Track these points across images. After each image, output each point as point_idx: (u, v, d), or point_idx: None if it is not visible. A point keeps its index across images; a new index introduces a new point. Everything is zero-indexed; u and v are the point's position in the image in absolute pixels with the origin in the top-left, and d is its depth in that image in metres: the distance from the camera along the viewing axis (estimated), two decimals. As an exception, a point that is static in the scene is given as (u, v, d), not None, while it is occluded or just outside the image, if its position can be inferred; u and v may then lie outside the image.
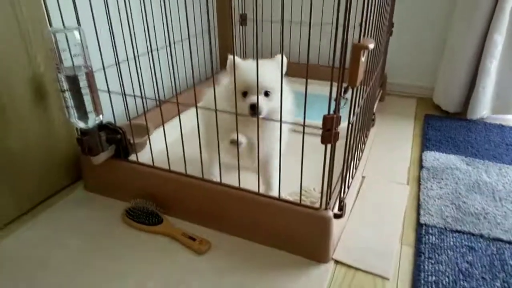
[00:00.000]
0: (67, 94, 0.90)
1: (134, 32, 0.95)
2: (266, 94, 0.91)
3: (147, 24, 0.94)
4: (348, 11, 0.64)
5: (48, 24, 0.92)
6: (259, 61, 0.80)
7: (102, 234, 0.98)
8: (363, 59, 0.71)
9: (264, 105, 0.89)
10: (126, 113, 1.06)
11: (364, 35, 0.72)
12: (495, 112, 1.62)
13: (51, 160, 1.11)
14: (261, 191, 0.93)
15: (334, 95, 0.73)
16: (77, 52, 0.88)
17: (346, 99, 0.79)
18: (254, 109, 0.87)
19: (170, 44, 0.95)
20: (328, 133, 0.74)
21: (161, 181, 1.03)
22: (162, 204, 1.03)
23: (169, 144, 1.01)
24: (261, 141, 0.87)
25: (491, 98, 1.58)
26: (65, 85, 0.89)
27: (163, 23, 0.96)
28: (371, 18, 0.84)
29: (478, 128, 1.54)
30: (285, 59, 0.87)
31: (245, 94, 0.92)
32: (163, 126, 1.00)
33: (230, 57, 0.93)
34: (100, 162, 1.03)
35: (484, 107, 1.57)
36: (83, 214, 1.06)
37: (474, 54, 1.53)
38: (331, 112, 0.74)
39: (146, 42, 0.98)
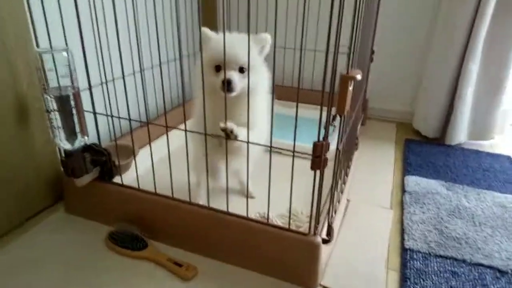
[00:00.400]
0: (53, 115, 0.88)
1: (120, 53, 0.94)
2: (241, 70, 0.85)
3: (138, 44, 0.95)
4: (338, 39, 0.66)
5: (35, 44, 0.91)
6: (236, 35, 0.78)
7: (84, 259, 0.95)
8: (350, 88, 0.73)
9: (238, 81, 0.83)
10: (110, 134, 1.04)
11: (351, 66, 0.74)
12: (472, 138, 1.68)
13: (32, 180, 1.07)
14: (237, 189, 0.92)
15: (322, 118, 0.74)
16: (64, 73, 0.87)
17: (334, 126, 0.81)
18: (229, 84, 0.82)
19: (161, 64, 0.95)
20: (318, 160, 0.76)
21: (147, 204, 1.01)
22: (147, 228, 1.01)
23: (154, 164, 0.99)
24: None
25: (467, 124, 1.64)
26: (51, 106, 0.88)
27: (157, 43, 0.96)
28: (357, 48, 0.87)
29: (456, 153, 1.60)
30: (268, 36, 0.85)
31: (218, 69, 0.86)
32: (150, 148, 0.99)
33: (204, 29, 0.88)
34: (84, 184, 1.01)
35: (461, 133, 1.63)
36: (64, 238, 1.02)
37: (450, 83, 1.59)
38: (321, 139, 0.76)
39: (136, 61, 0.98)
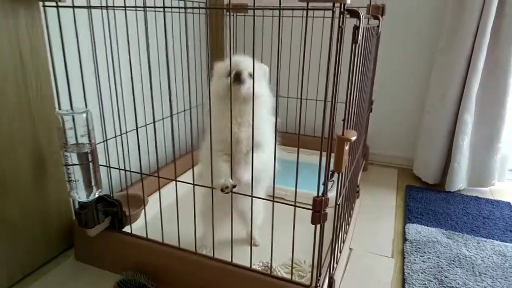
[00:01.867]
0: (71, 169, 0.95)
1: (135, 108, 1.03)
2: (250, 75, 0.95)
3: (152, 97, 1.03)
4: (336, 92, 0.73)
5: (57, 106, 1.00)
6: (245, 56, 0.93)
7: (93, 308, 0.98)
8: (346, 148, 0.79)
9: (248, 79, 0.93)
10: (121, 184, 1.10)
11: (347, 128, 0.81)
12: (472, 185, 1.72)
13: (44, 229, 1.12)
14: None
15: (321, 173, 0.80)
16: (83, 133, 0.94)
17: (333, 181, 0.86)
18: (238, 78, 0.92)
19: (172, 116, 1.03)
20: (318, 215, 0.80)
21: (154, 254, 1.05)
22: (154, 277, 1.04)
23: (163, 209, 1.04)
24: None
25: (466, 172, 1.68)
26: (70, 161, 0.94)
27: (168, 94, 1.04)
28: (353, 107, 0.94)
29: (456, 200, 1.63)
30: (267, 68, 0.99)
31: (229, 74, 0.95)
32: (160, 201, 1.04)
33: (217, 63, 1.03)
34: (95, 234, 1.05)
35: (460, 180, 1.67)
36: (74, 286, 1.05)
37: (447, 132, 1.66)
38: (320, 194, 0.81)
39: (141, 116, 1.06)
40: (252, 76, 0.95)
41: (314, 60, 1.61)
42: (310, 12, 0.68)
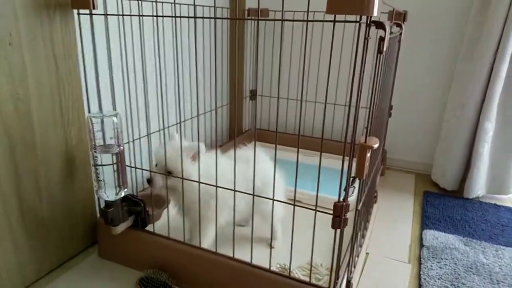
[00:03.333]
0: (99, 169, 0.99)
1: (163, 108, 1.06)
2: (169, 172, 1.05)
3: (178, 100, 1.07)
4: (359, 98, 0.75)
5: (87, 108, 1.04)
6: (177, 146, 1.01)
7: (117, 304, 1.02)
8: (368, 155, 0.81)
9: (160, 181, 1.06)
10: (143, 185, 1.14)
11: (369, 134, 0.83)
12: (490, 192, 1.71)
13: (70, 226, 1.17)
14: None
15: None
16: (112, 135, 0.98)
17: (354, 187, 0.88)
18: (148, 182, 1.07)
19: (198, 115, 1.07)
20: (338, 219, 0.82)
21: (175, 253, 1.08)
22: (174, 275, 1.07)
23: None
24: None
25: (486, 179, 1.67)
26: (99, 161, 0.98)
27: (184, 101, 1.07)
28: (375, 114, 0.95)
29: (474, 207, 1.62)
30: (198, 146, 1.03)
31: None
32: (183, 201, 1.08)
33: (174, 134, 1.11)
34: (119, 232, 1.09)
35: (479, 188, 1.66)
36: (96, 282, 1.10)
37: (467, 139, 1.65)
38: (341, 199, 0.83)
39: (178, 114, 1.09)
40: (169, 171, 1.05)
41: (334, 65, 1.62)
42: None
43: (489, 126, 1.58)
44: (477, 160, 1.62)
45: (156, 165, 1.07)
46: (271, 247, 1.16)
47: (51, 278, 1.10)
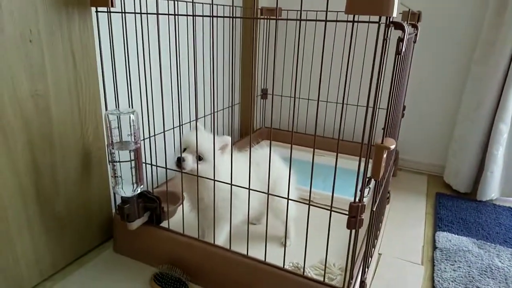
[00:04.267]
0: (117, 166, 1.00)
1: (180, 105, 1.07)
2: (200, 158, 1.04)
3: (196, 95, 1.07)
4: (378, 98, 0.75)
5: (104, 107, 1.06)
6: (207, 134, 1.03)
7: (131, 299, 1.03)
8: (384, 156, 0.81)
9: (190, 161, 1.03)
10: (158, 181, 1.15)
11: (385, 135, 0.82)
12: (504, 194, 1.69)
13: (86, 222, 1.19)
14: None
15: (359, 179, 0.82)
16: (129, 132, 0.99)
17: (370, 187, 0.88)
18: (178, 160, 1.03)
19: (214, 112, 1.07)
20: (353, 220, 0.82)
21: (189, 249, 1.09)
22: (189, 271, 1.08)
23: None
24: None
25: (499, 181, 1.66)
26: (116, 158, 1.00)
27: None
28: (391, 114, 0.95)
29: (488, 209, 1.61)
30: (229, 139, 1.05)
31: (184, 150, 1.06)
32: (198, 196, 1.08)
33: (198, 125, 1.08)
34: (135, 228, 1.11)
35: (493, 190, 1.65)
36: (112, 277, 1.11)
37: (481, 141, 1.64)
38: (357, 200, 0.83)
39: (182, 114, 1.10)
40: (202, 156, 1.04)
41: (345, 65, 1.62)
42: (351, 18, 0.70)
43: (504, 129, 1.57)
44: (491, 162, 1.60)
45: (185, 149, 1.06)
46: (285, 245, 1.16)
47: (67, 272, 1.12)
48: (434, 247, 1.31)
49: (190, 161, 1.03)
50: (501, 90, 1.55)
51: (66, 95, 1.03)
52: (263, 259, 1.00)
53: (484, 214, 1.56)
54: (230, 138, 1.06)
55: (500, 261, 1.24)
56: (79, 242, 1.18)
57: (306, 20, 0.81)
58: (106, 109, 1.08)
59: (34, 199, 1.00)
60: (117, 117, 0.98)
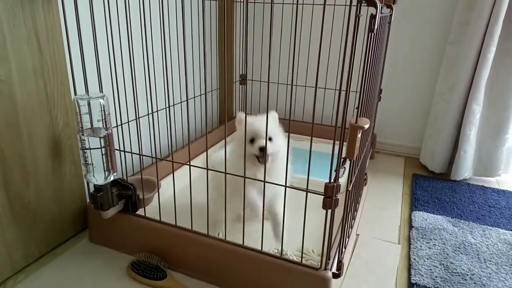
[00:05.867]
0: (88, 153, 0.97)
1: (150, 92, 1.04)
2: (270, 139, 1.04)
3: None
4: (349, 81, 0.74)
5: (73, 91, 1.02)
6: (260, 117, 1.01)
7: (106, 287, 1.01)
8: (359, 135, 0.81)
9: (270, 147, 1.02)
10: (134, 168, 1.13)
11: (360, 116, 0.82)
12: (477, 174, 1.74)
13: (59, 211, 1.15)
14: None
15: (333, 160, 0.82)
16: (100, 117, 0.96)
17: (345, 168, 0.88)
18: (263, 150, 1.01)
19: (188, 101, 1.05)
20: (329, 200, 0.82)
21: (167, 236, 1.08)
22: (167, 258, 1.07)
23: (177, 192, 1.07)
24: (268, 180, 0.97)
25: (472, 161, 1.70)
26: (87, 145, 0.96)
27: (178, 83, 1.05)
28: (366, 95, 0.95)
29: (462, 189, 1.65)
30: (276, 114, 1.08)
31: (252, 141, 1.05)
32: (174, 186, 1.07)
33: (239, 113, 1.08)
34: (110, 217, 1.08)
35: (466, 170, 1.69)
36: (88, 267, 1.09)
37: (455, 122, 1.67)
38: (332, 180, 0.83)
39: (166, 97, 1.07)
40: (271, 138, 1.05)
41: (324, 49, 1.61)
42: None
43: (477, 109, 1.60)
44: (464, 142, 1.63)
45: (252, 140, 1.05)
46: (262, 229, 1.15)
47: (41, 264, 1.09)
48: (411, 226, 1.34)
49: (269, 147, 1.02)
50: (474, 70, 1.57)
51: (31, 80, 0.99)
52: (242, 243, 0.99)
53: (459, 193, 1.60)
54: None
55: (473, 238, 1.27)
56: (52, 232, 1.15)
57: (273, 3, 0.79)
58: (75, 94, 1.04)
59: (2, 188, 0.96)
60: (87, 102, 0.95)
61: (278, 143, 1.06)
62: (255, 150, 1.03)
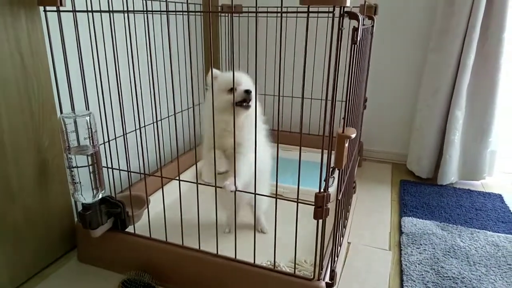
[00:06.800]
0: (75, 172, 0.96)
1: (137, 108, 1.04)
2: (248, 92, 1.04)
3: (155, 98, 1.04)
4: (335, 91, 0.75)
5: (59, 109, 1.01)
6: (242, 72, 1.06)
7: (99, 308, 0.99)
8: (346, 145, 0.82)
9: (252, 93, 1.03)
10: (122, 185, 1.12)
11: (346, 125, 0.83)
12: (463, 178, 1.77)
13: (47, 232, 1.13)
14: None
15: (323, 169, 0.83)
16: (86, 135, 0.95)
17: (334, 177, 0.89)
18: (249, 93, 1.02)
19: (175, 114, 1.05)
20: (320, 210, 0.83)
21: (158, 253, 1.07)
22: (158, 275, 1.06)
23: (166, 208, 1.06)
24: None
25: (458, 166, 1.73)
26: (74, 163, 0.95)
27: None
28: (351, 105, 0.97)
29: (449, 193, 1.67)
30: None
31: (231, 90, 1.04)
32: (163, 200, 1.06)
33: (214, 70, 1.05)
34: (99, 235, 1.07)
35: (452, 174, 1.72)
36: (78, 287, 1.07)
37: (439, 128, 1.70)
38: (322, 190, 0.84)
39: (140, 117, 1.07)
40: (250, 91, 1.05)
41: (309, 60, 1.63)
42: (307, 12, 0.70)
43: (459, 114, 1.64)
44: (449, 147, 1.67)
45: (230, 89, 1.04)
46: (254, 242, 1.15)
47: (28, 286, 1.07)
48: (401, 232, 1.35)
49: (253, 91, 1.02)
50: (455, 76, 1.61)
51: (15, 98, 0.97)
52: (234, 257, 0.99)
53: (446, 198, 1.63)
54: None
55: (461, 241, 1.29)
56: (40, 253, 1.12)
57: (260, 12, 0.80)
58: (61, 112, 1.03)
59: (-14, 212, 0.94)
60: (73, 120, 0.94)
61: (253, 103, 1.04)
62: (238, 95, 1.02)
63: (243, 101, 1.05)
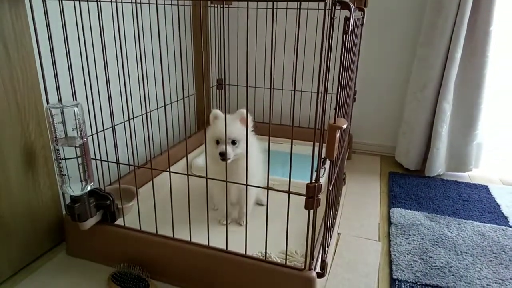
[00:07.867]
0: (63, 163, 0.94)
1: (126, 99, 1.02)
2: (233, 142, 1.11)
3: (145, 89, 1.03)
4: (325, 83, 0.75)
5: (45, 100, 0.99)
6: (229, 116, 1.05)
7: (88, 301, 0.98)
8: (337, 136, 0.82)
9: (231, 151, 1.10)
10: (110, 177, 1.10)
11: (338, 116, 0.83)
12: (450, 169, 1.80)
13: (35, 224, 1.11)
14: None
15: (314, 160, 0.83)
16: (74, 126, 0.93)
17: (325, 168, 0.89)
18: (223, 155, 1.09)
19: (165, 107, 1.04)
20: (311, 200, 0.83)
21: (148, 245, 1.06)
22: (148, 268, 1.05)
23: (156, 200, 1.06)
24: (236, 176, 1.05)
25: (445, 157, 1.76)
26: (61, 155, 0.94)
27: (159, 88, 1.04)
28: (343, 96, 0.97)
29: (436, 184, 1.70)
30: (244, 112, 1.10)
31: (217, 142, 1.13)
32: (153, 192, 1.05)
33: (214, 110, 1.14)
34: (88, 228, 1.05)
35: (439, 166, 1.74)
36: (66, 282, 1.05)
37: (427, 120, 1.72)
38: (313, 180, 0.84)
39: (145, 105, 1.06)
40: (236, 141, 1.12)
41: (300, 52, 1.63)
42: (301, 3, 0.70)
43: (447, 107, 1.66)
44: (437, 140, 1.69)
45: (217, 141, 1.14)
46: (246, 233, 1.15)
47: (15, 281, 1.05)
48: (390, 223, 1.37)
49: (230, 151, 1.10)
50: (443, 70, 1.63)
51: (0, 89, 0.95)
52: (225, 248, 0.99)
53: (434, 189, 1.65)
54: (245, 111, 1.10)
55: (449, 231, 1.31)
56: (27, 247, 1.10)
57: (248, 6, 0.79)
58: (48, 102, 1.01)
59: (-29, 205, 0.92)
60: (60, 111, 0.92)
61: (243, 146, 1.09)
62: (219, 150, 1.10)
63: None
